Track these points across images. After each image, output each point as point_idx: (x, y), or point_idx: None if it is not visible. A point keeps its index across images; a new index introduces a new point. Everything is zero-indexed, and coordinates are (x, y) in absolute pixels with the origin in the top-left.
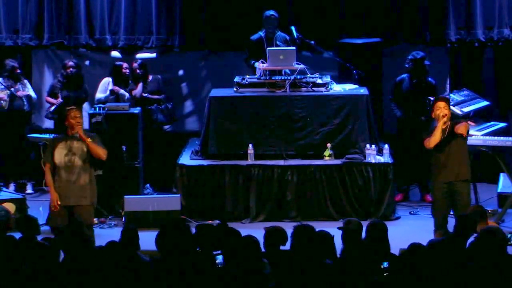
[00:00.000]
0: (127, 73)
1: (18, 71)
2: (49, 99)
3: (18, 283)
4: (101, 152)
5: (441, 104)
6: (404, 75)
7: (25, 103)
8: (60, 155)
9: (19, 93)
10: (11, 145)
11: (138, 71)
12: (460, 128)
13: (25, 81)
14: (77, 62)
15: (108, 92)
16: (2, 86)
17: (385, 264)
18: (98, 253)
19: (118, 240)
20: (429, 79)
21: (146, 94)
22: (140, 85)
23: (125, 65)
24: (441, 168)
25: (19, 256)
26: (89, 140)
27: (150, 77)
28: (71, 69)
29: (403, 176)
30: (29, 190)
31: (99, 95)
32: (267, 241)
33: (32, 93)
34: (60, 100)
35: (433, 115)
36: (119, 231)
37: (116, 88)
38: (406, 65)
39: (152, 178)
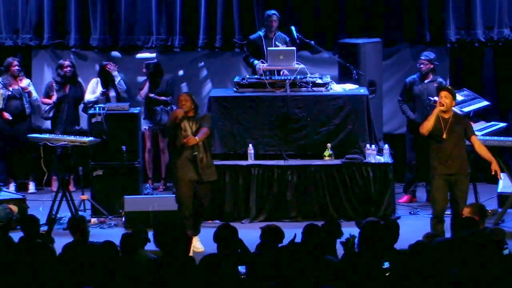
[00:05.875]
0: (111, 71)
1: (15, 68)
2: (45, 100)
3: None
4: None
5: (443, 93)
6: (415, 76)
7: (26, 103)
8: (184, 130)
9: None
10: (11, 146)
11: (151, 68)
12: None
13: (26, 80)
14: (72, 61)
15: (98, 93)
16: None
17: (386, 264)
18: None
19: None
20: (440, 79)
21: (153, 95)
22: (146, 86)
23: (109, 65)
24: (440, 161)
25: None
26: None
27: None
28: (69, 68)
29: (410, 177)
30: (31, 189)
31: (89, 96)
32: (264, 239)
33: (33, 92)
34: (54, 100)
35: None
36: (119, 231)
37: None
38: (421, 66)
39: (155, 177)
